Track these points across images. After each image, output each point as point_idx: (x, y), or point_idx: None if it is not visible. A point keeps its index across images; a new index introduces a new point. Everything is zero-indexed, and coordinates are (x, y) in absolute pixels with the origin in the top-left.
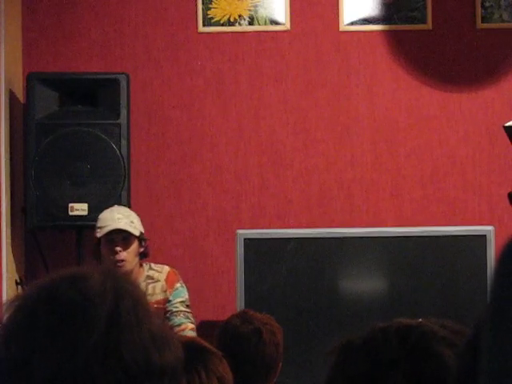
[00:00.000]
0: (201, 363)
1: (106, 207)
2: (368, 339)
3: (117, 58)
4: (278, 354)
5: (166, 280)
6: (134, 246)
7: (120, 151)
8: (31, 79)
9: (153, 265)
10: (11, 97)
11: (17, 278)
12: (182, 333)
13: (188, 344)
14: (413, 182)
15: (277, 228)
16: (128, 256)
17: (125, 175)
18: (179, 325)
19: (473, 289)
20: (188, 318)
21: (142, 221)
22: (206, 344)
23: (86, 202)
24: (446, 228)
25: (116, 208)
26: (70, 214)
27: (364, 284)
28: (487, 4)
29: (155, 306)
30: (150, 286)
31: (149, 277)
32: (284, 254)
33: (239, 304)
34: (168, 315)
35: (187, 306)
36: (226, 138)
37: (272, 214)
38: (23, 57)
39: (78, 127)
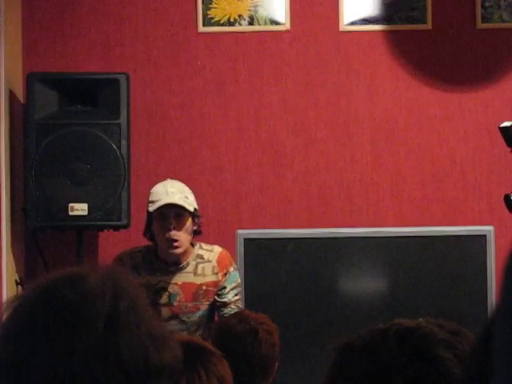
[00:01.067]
0: (201, 363)
1: (106, 207)
2: (367, 341)
3: (117, 58)
4: (274, 353)
5: (218, 261)
6: (188, 223)
7: (120, 151)
8: (31, 79)
9: (203, 244)
10: (11, 97)
11: (17, 277)
12: None
13: (188, 344)
14: (413, 182)
15: (277, 228)
16: (182, 235)
17: (125, 175)
18: (226, 315)
19: (473, 289)
20: (238, 306)
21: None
22: (206, 344)
23: (85, 202)
24: (446, 228)
25: (170, 181)
26: (70, 213)
27: (364, 284)
28: (487, 4)
29: (204, 287)
30: (200, 266)
31: (199, 256)
32: (284, 254)
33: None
34: (219, 304)
35: (238, 293)
36: (226, 138)
37: (272, 214)
38: (23, 57)
39: (78, 127)
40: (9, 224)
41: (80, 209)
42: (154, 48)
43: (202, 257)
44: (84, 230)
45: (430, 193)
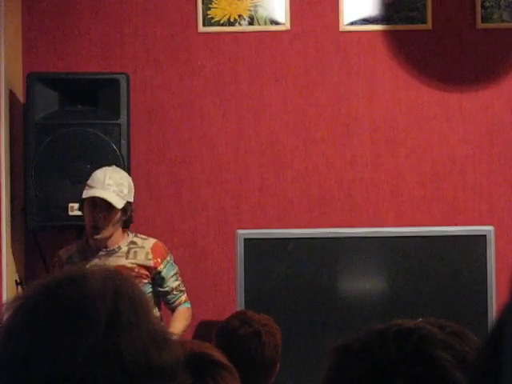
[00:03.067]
0: (210, 377)
1: None
2: (366, 342)
3: (117, 58)
4: (276, 355)
5: (152, 249)
6: (116, 215)
7: (120, 151)
8: (31, 79)
9: (139, 234)
10: (11, 97)
11: (17, 278)
12: (178, 307)
13: (199, 356)
14: (413, 182)
15: (277, 228)
16: (106, 223)
17: None
18: (173, 302)
19: (473, 289)
20: (181, 290)
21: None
22: (219, 356)
23: None
24: (446, 228)
25: (111, 171)
26: (70, 214)
27: (364, 284)
28: (487, 4)
29: (136, 270)
30: (132, 251)
31: (132, 242)
32: (284, 254)
33: (239, 304)
34: (162, 293)
35: (178, 279)
36: (226, 138)
37: (272, 214)
38: (23, 57)
39: (78, 127)
40: (9, 224)
41: None
42: (154, 48)
43: (135, 243)
44: (84, 230)
45: (430, 193)
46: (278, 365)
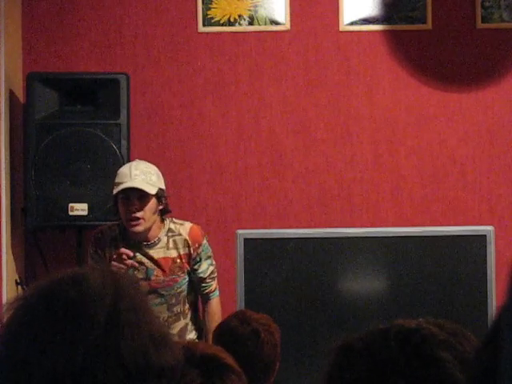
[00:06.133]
0: (219, 379)
1: (106, 207)
2: (368, 342)
3: (117, 58)
4: (276, 354)
5: (190, 234)
6: (151, 203)
7: (120, 151)
8: (31, 79)
9: (175, 219)
10: (11, 97)
11: (17, 278)
12: (209, 295)
13: (210, 358)
14: (413, 182)
15: (277, 228)
16: (144, 214)
17: None
18: (205, 289)
19: (473, 289)
20: (213, 277)
21: None
22: (229, 360)
23: (85, 202)
24: (446, 228)
25: (135, 163)
26: (70, 214)
27: (364, 284)
28: (487, 4)
29: (178, 261)
30: (171, 240)
31: (170, 230)
32: (284, 254)
33: (239, 304)
34: (196, 280)
35: (212, 264)
36: (226, 138)
37: (272, 214)
38: (23, 57)
39: (78, 127)
40: (9, 224)
41: (80, 209)
42: (154, 48)
43: (172, 230)
44: (84, 230)
45: (430, 193)
46: (278, 364)
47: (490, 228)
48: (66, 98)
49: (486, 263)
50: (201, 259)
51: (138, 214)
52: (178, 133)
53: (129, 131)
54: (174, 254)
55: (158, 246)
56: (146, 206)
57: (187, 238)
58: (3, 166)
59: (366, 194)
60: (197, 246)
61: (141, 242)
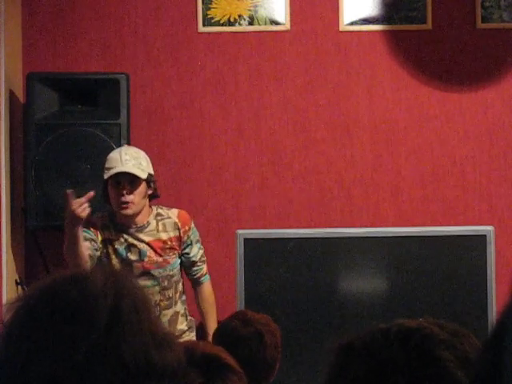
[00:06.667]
0: (220, 379)
1: (106, 207)
2: (368, 341)
3: (117, 58)
4: (277, 354)
5: (178, 217)
6: (141, 188)
7: None
8: (31, 79)
9: (162, 206)
10: (11, 97)
11: (17, 278)
12: (201, 279)
13: (211, 358)
14: (413, 182)
15: (277, 228)
16: (134, 198)
17: None
18: (196, 273)
19: (473, 289)
20: (203, 261)
21: None
22: (230, 361)
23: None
24: (446, 228)
25: (125, 148)
26: None
27: (364, 284)
28: (487, 4)
29: (169, 243)
30: (161, 223)
31: (158, 214)
32: (284, 254)
33: (239, 304)
34: (188, 264)
35: (201, 247)
36: (226, 138)
37: (272, 214)
38: (23, 57)
39: (78, 127)
40: (9, 224)
41: None
42: (154, 48)
43: (161, 214)
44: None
45: (430, 193)
46: (278, 364)
47: (490, 228)
48: (66, 98)
49: (486, 263)
50: (191, 242)
51: (129, 198)
52: (178, 133)
53: (129, 131)
54: (164, 236)
55: (148, 229)
56: (136, 190)
57: (176, 220)
58: (3, 165)
59: (365, 194)
60: (186, 228)
61: (130, 226)
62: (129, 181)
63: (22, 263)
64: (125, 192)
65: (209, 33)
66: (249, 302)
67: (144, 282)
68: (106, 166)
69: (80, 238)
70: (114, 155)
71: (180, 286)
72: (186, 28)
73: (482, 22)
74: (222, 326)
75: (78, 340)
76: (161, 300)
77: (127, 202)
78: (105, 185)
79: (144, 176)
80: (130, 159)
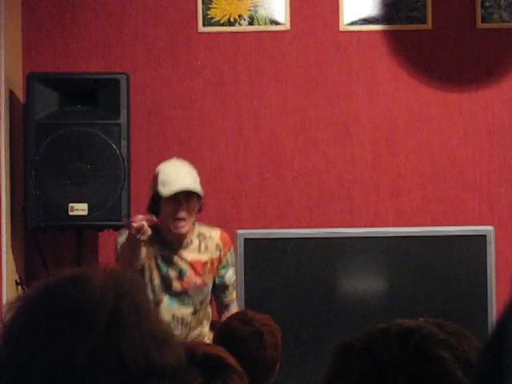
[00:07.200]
0: (221, 379)
1: (106, 207)
2: (367, 341)
3: (117, 58)
4: (277, 354)
5: (221, 238)
6: (195, 204)
7: (120, 151)
8: (31, 79)
9: (202, 223)
10: (11, 97)
11: (17, 278)
12: (230, 305)
13: (212, 359)
14: (413, 182)
15: (277, 228)
16: (188, 215)
17: (125, 175)
18: (227, 298)
19: (473, 289)
20: (234, 287)
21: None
22: (232, 361)
23: (85, 202)
24: (446, 228)
25: (179, 163)
26: (70, 213)
27: (364, 284)
28: (487, 4)
29: (209, 264)
30: (203, 243)
31: (201, 234)
32: (284, 254)
33: (239, 304)
34: (219, 287)
35: (234, 273)
36: (226, 138)
37: (272, 214)
38: (23, 57)
39: (78, 127)
40: (9, 224)
41: (80, 209)
42: (154, 48)
43: (203, 234)
44: (84, 230)
45: (430, 193)
46: (278, 364)
47: (490, 228)
48: (66, 98)
49: (486, 263)
50: (228, 264)
51: (185, 215)
52: (178, 133)
53: (129, 131)
54: (205, 257)
55: (191, 247)
56: (193, 207)
57: (219, 242)
58: (3, 165)
59: (365, 194)
60: (227, 250)
61: (175, 242)
62: (186, 198)
63: (22, 263)
64: (181, 209)
65: (209, 33)
66: (249, 301)
67: (180, 301)
68: (161, 179)
69: (139, 257)
70: (169, 169)
71: (209, 309)
72: (185, 28)
73: (482, 22)
74: (222, 325)
75: (78, 340)
76: (191, 321)
77: (183, 219)
78: (155, 199)
79: (202, 193)
80: (187, 175)
